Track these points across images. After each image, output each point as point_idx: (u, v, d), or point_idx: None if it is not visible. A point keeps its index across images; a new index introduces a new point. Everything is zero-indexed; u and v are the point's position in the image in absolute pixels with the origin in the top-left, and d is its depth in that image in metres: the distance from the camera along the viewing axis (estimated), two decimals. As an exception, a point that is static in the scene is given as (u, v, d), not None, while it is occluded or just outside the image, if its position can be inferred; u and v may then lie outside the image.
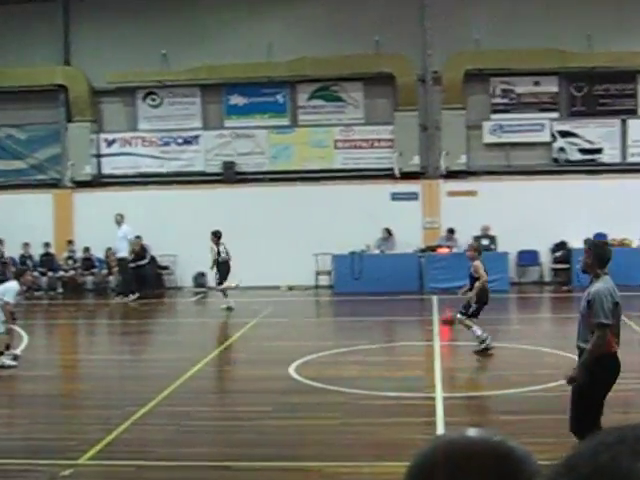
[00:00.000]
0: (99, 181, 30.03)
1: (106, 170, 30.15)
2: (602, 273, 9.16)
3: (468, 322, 16.49)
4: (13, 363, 16.64)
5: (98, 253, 29.17)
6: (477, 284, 16.41)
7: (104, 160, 30.13)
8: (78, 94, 29.87)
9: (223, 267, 24.59)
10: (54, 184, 30.30)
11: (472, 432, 1.82)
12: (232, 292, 24.70)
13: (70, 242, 29.11)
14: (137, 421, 12.18)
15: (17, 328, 17.46)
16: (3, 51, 29.85)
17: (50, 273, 29.13)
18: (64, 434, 11.87)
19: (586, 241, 10.21)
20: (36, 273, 28.44)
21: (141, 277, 28.82)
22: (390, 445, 10.71)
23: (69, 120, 30.08)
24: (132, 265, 28.59)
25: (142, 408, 12.79)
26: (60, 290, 29.16)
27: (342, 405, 12.80)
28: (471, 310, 16.52)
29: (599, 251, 9.37)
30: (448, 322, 17.24)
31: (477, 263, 16.65)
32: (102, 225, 28.21)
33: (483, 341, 16.26)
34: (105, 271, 29.19)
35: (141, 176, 29.88)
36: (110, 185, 29.90)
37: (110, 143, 30.13)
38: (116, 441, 11.19)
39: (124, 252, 27.49)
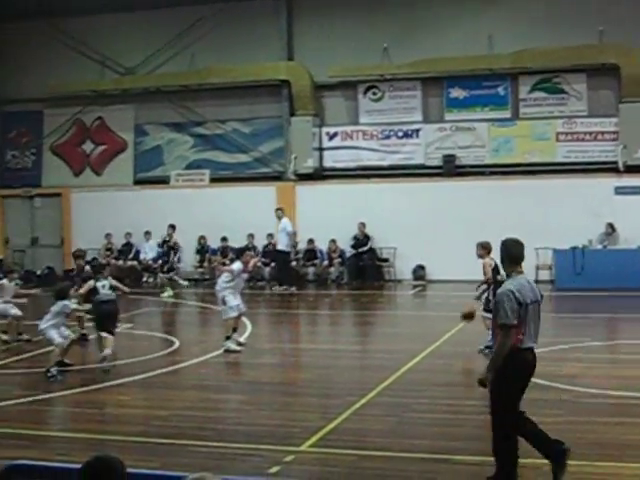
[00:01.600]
0: (321, 174, 30.54)
1: (328, 163, 30.63)
2: (515, 272, 9.15)
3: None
4: (238, 348, 17.22)
5: (320, 245, 29.67)
6: (483, 285, 16.57)
7: (326, 153, 30.62)
8: (301, 89, 30.47)
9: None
10: (277, 177, 31.04)
11: None
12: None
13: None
14: (357, 411, 12.37)
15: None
16: (230, 48, 30.82)
17: (273, 264, 29.83)
18: (286, 421, 12.18)
19: (501, 242, 10.35)
20: (259, 264, 29.24)
21: (361, 268, 29.25)
22: (613, 445, 10.47)
23: (292, 114, 30.73)
24: (353, 252, 29.09)
25: (362, 398, 12.98)
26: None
27: (564, 403, 12.59)
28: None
29: (507, 250, 9.34)
30: (468, 316, 16.58)
31: (485, 261, 16.43)
32: (324, 217, 28.78)
33: None
34: (326, 262, 29.66)
35: (362, 169, 30.21)
36: (331, 178, 30.38)
37: (332, 136, 30.60)
38: (337, 430, 11.40)
39: (282, 245, 28.41)
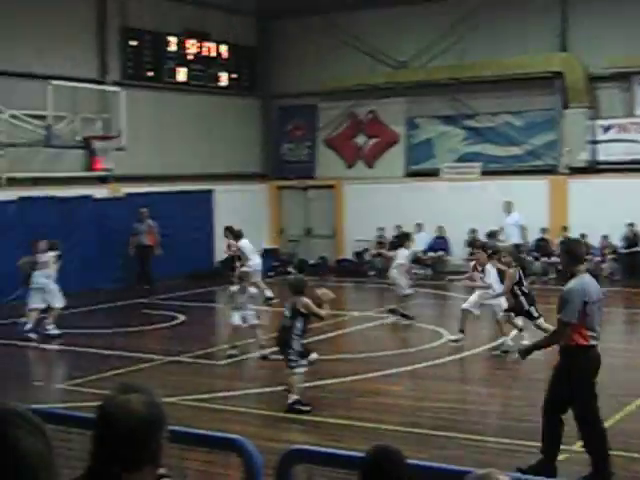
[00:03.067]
0: (594, 167, 29.81)
1: (601, 156, 29.84)
2: (578, 271, 9.40)
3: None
4: (512, 344, 17.11)
5: (592, 240, 28.94)
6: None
7: (599, 146, 29.84)
8: (574, 80, 29.83)
9: None
10: (549, 170, 30.52)
11: None
12: None
13: (565, 228, 29.19)
14: (632, 412, 12.09)
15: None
16: (502, 41, 30.58)
17: (544, 258, 29.44)
18: (557, 419, 12.05)
19: (561, 242, 10.14)
20: (530, 258, 28.92)
21: (633, 265, 28.39)
22: None
23: (565, 107, 30.13)
24: (624, 252, 28.28)
25: (637, 399, 12.67)
26: (552, 276, 29.34)
27: None
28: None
29: (572, 249, 9.66)
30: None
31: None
32: (596, 212, 28.09)
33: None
34: (598, 258, 28.94)
35: (637, 163, 29.26)
36: (605, 172, 29.59)
37: (606, 129, 29.78)
38: (609, 430, 11.18)
39: (515, 239, 27.92)
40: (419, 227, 31.01)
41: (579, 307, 9.19)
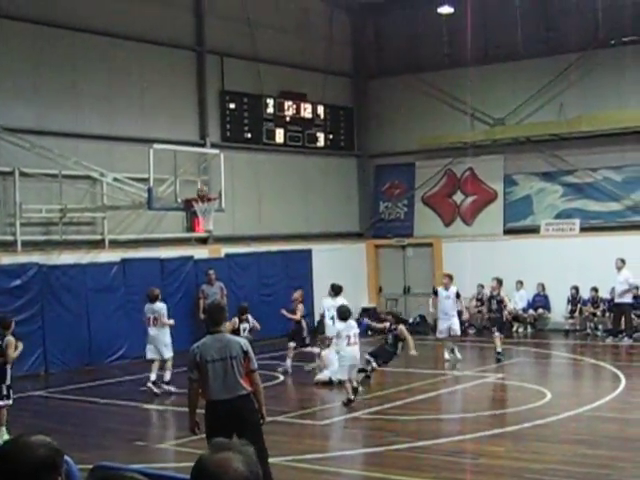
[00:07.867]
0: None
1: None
2: (214, 332, 10.53)
3: None
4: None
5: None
6: None
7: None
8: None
9: None
10: (651, 226, 30.04)
11: None
12: None
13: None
14: None
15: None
16: (599, 96, 30.26)
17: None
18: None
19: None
20: (633, 315, 28.38)
21: None
22: None
23: (666, 160, 29.73)
24: None
25: None
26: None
27: None
28: None
29: (210, 313, 11.10)
30: None
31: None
32: None
33: None
34: None
35: None
36: None
37: None
38: None
39: (625, 298, 27.54)
40: (519, 284, 30.70)
41: (194, 364, 10.34)
